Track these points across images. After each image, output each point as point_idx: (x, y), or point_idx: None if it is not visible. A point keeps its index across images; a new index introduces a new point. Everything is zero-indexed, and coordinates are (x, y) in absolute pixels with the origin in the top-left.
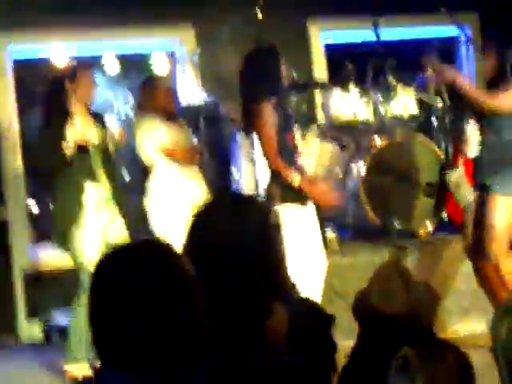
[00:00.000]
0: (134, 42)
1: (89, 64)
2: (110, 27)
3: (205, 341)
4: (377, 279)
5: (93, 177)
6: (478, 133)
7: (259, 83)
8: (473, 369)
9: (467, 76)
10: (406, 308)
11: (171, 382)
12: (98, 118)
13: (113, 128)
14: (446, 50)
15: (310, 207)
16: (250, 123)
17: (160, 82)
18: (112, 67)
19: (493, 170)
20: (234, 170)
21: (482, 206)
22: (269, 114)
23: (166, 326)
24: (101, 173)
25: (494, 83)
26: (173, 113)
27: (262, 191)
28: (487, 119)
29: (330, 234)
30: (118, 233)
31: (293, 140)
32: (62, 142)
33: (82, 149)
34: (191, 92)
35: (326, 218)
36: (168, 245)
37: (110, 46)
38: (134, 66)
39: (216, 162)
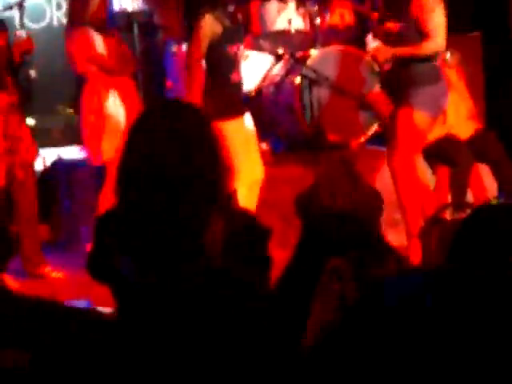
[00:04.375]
0: None
1: None
2: None
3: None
4: (325, 177)
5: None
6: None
7: None
8: None
9: None
10: (354, 206)
11: None
12: None
13: (21, 35)
14: None
15: (247, 118)
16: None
17: None
18: None
19: (404, 83)
20: (169, 78)
21: (394, 118)
22: (204, 27)
23: None
24: (8, 80)
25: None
26: (105, 21)
27: None
28: (395, 31)
29: (263, 146)
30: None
31: (235, 52)
32: None
33: None
34: None
35: (259, 129)
36: None
37: None
38: None
39: (151, 71)
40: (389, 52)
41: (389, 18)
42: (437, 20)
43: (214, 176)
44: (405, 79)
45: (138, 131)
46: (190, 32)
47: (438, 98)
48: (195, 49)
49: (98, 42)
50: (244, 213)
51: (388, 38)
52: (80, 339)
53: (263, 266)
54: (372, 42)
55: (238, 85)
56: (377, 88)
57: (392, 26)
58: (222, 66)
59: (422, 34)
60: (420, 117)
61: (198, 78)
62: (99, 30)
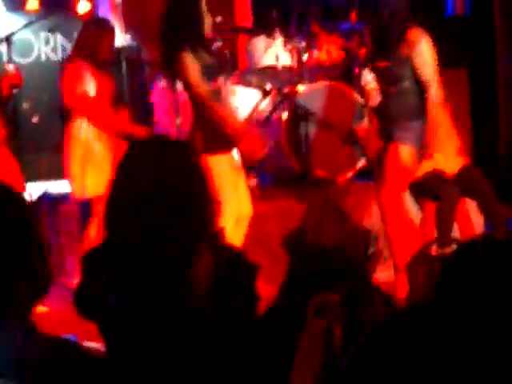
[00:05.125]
0: None
1: None
2: None
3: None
4: (312, 214)
5: None
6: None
7: (180, 30)
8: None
9: None
10: (340, 243)
11: None
12: None
13: (9, 68)
14: None
15: (234, 154)
16: (172, 70)
17: (108, 24)
18: (32, 5)
19: (393, 119)
20: (156, 114)
21: (383, 154)
22: (190, 61)
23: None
24: None
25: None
26: (108, 61)
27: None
28: (383, 68)
29: (251, 181)
30: (15, 173)
31: (218, 87)
32: None
33: None
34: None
35: (247, 164)
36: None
37: None
38: (55, 5)
39: (139, 107)
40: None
41: (378, 55)
42: (430, 65)
43: (201, 212)
44: (394, 114)
45: (125, 167)
46: (168, 68)
47: (423, 133)
48: (198, 86)
49: (96, 81)
50: (232, 249)
51: (380, 76)
52: (72, 375)
53: (250, 303)
54: (368, 76)
55: None
56: (364, 123)
57: (382, 64)
58: None
59: (419, 81)
60: (409, 152)
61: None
62: (100, 68)
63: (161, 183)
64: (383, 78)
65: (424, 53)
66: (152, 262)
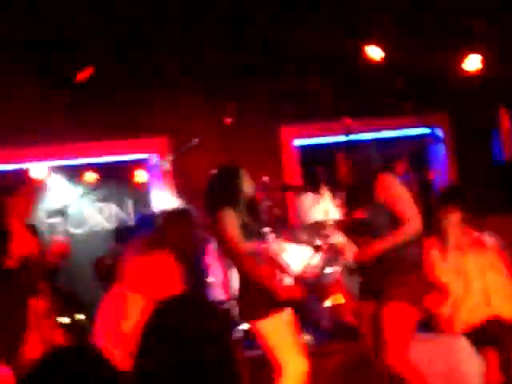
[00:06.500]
0: (110, 152)
1: (33, 179)
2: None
3: None
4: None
5: (34, 290)
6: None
7: (219, 196)
8: None
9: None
10: None
11: None
12: (32, 229)
13: (57, 240)
14: (417, 148)
15: (286, 313)
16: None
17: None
18: (88, 178)
19: (379, 274)
20: (207, 275)
21: (376, 313)
22: (229, 218)
23: None
24: (42, 286)
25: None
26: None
27: (235, 295)
28: (361, 220)
29: (306, 337)
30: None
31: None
32: (2, 257)
33: (22, 262)
34: (164, 197)
35: (300, 321)
36: (98, 351)
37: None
38: (108, 176)
39: (188, 267)
40: (372, 250)
41: (354, 208)
42: (406, 202)
43: (230, 379)
44: (382, 270)
45: (151, 332)
46: (212, 226)
47: (419, 287)
48: (236, 245)
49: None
50: None
51: (357, 229)
52: None
53: None
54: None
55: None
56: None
57: (359, 215)
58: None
59: (395, 221)
60: (404, 309)
61: (261, 269)
62: (181, 258)
63: (183, 346)
64: (363, 230)
65: (396, 195)
66: None
